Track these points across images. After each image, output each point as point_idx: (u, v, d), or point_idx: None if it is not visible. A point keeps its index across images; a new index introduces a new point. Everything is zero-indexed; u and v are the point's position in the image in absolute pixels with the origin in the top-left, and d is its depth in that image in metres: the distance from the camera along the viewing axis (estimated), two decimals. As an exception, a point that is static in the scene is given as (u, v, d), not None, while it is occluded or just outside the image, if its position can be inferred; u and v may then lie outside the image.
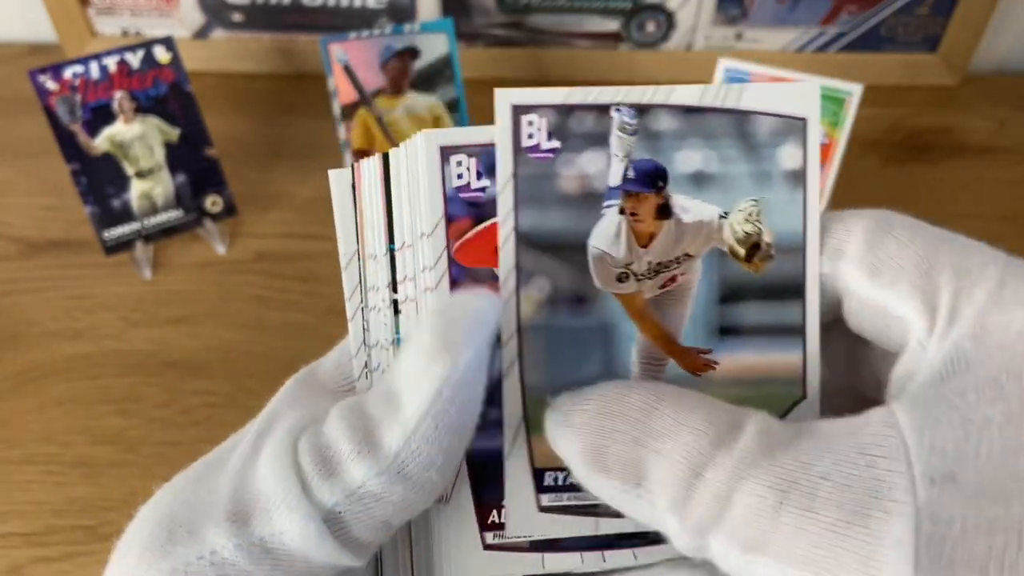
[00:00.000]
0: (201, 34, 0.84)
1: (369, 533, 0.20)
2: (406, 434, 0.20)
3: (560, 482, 0.23)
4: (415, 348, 0.20)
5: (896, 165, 0.77)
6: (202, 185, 0.68)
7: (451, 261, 0.23)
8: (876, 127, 0.79)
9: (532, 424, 0.23)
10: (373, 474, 0.19)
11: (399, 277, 0.23)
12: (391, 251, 0.24)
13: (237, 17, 0.82)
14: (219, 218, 0.69)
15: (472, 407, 0.21)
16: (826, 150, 0.64)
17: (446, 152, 0.23)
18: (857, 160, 0.75)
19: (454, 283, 0.23)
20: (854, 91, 0.63)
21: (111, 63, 0.63)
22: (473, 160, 0.23)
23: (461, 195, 0.23)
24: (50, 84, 0.62)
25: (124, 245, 0.67)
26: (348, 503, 0.19)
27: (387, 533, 0.21)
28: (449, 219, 0.23)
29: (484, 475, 0.24)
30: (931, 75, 0.83)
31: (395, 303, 0.24)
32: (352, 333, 0.24)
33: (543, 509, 0.23)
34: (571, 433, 0.20)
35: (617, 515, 0.23)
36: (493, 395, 0.23)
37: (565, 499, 0.23)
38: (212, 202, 0.68)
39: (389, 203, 0.24)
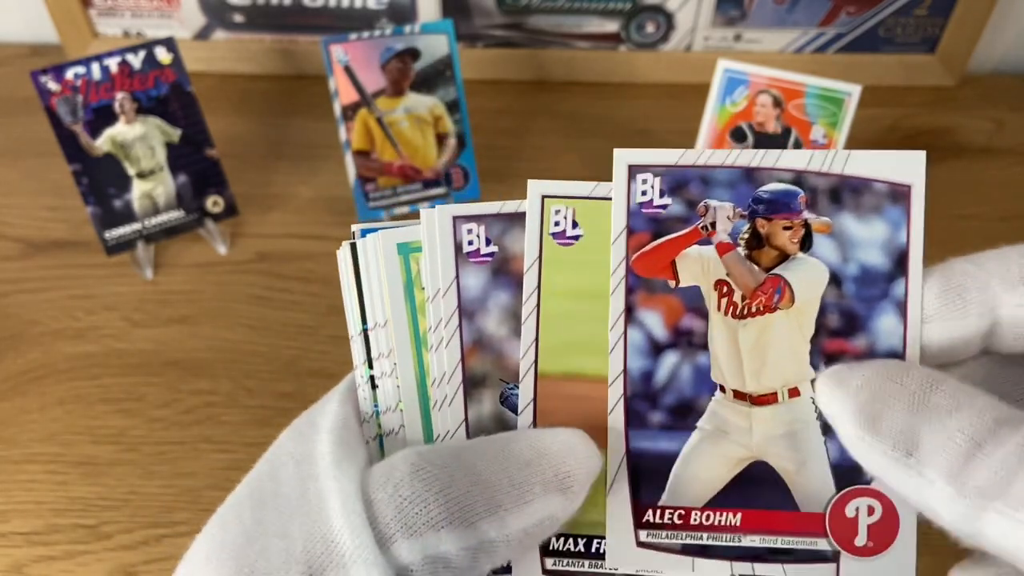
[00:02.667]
0: (202, 35, 0.84)
1: None
2: (505, 536, 0.21)
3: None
4: (545, 453, 0.22)
5: (895, 165, 0.77)
6: (203, 185, 0.68)
7: (628, 270, 0.25)
8: (875, 127, 0.79)
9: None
10: (460, 548, 0.20)
11: (374, 355, 0.25)
12: (364, 331, 0.25)
13: (238, 18, 0.82)
14: (220, 218, 0.69)
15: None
16: (825, 150, 0.64)
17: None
18: (856, 160, 0.76)
19: (630, 291, 0.25)
20: (853, 92, 0.63)
21: (112, 64, 0.63)
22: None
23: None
24: (52, 85, 0.62)
25: (125, 245, 0.67)
26: (423, 564, 0.20)
27: None
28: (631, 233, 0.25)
29: (642, 474, 0.25)
30: (929, 76, 0.83)
31: (372, 379, 0.25)
32: (360, 400, 0.26)
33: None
34: (846, 393, 0.21)
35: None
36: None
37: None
38: (213, 202, 0.69)
39: (360, 287, 0.25)
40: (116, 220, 0.66)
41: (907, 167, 0.25)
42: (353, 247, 0.25)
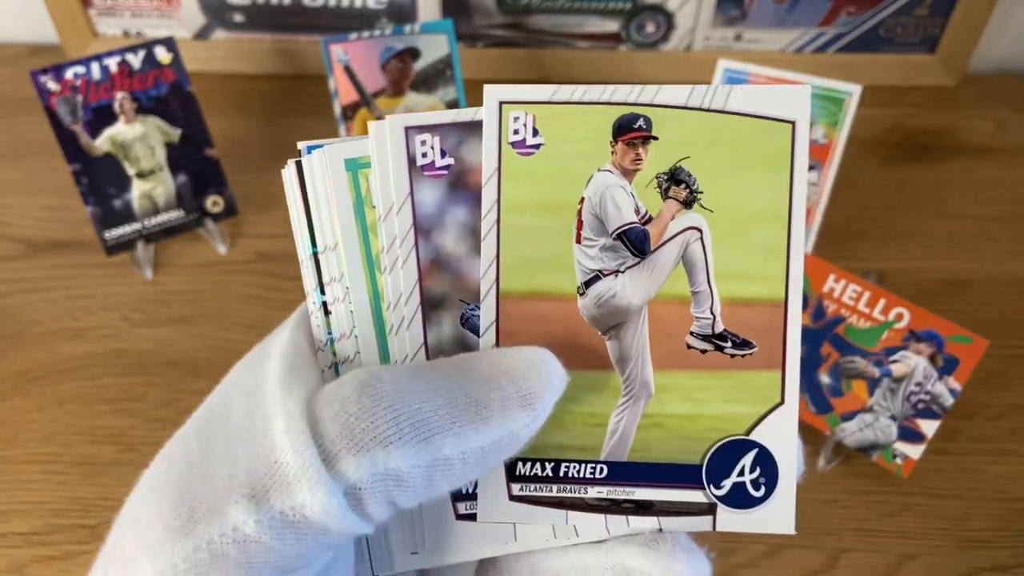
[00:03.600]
0: (202, 35, 0.84)
1: (380, 511, 0.20)
2: (461, 453, 0.20)
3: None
4: (506, 370, 0.21)
5: (895, 165, 0.77)
6: (203, 185, 0.68)
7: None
8: (875, 128, 0.79)
9: None
10: (412, 464, 0.20)
11: (325, 279, 0.24)
12: (315, 255, 0.24)
13: (238, 18, 0.82)
14: (220, 218, 0.69)
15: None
16: (825, 150, 0.64)
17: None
18: (856, 160, 0.76)
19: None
20: (853, 92, 0.63)
21: (112, 64, 0.63)
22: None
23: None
24: (51, 85, 0.62)
25: (125, 245, 0.67)
26: (372, 482, 0.19)
27: (393, 511, 0.21)
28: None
29: None
30: (930, 75, 0.83)
31: (324, 304, 0.24)
32: (313, 328, 0.24)
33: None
34: None
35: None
36: None
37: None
38: (213, 202, 0.69)
39: (308, 208, 0.24)
40: (116, 220, 0.66)
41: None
42: (299, 164, 0.24)
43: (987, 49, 0.85)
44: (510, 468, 0.24)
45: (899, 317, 0.54)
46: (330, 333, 0.24)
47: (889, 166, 0.77)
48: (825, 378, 0.55)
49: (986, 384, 0.59)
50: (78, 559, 0.52)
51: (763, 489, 0.24)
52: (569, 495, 0.24)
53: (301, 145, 0.24)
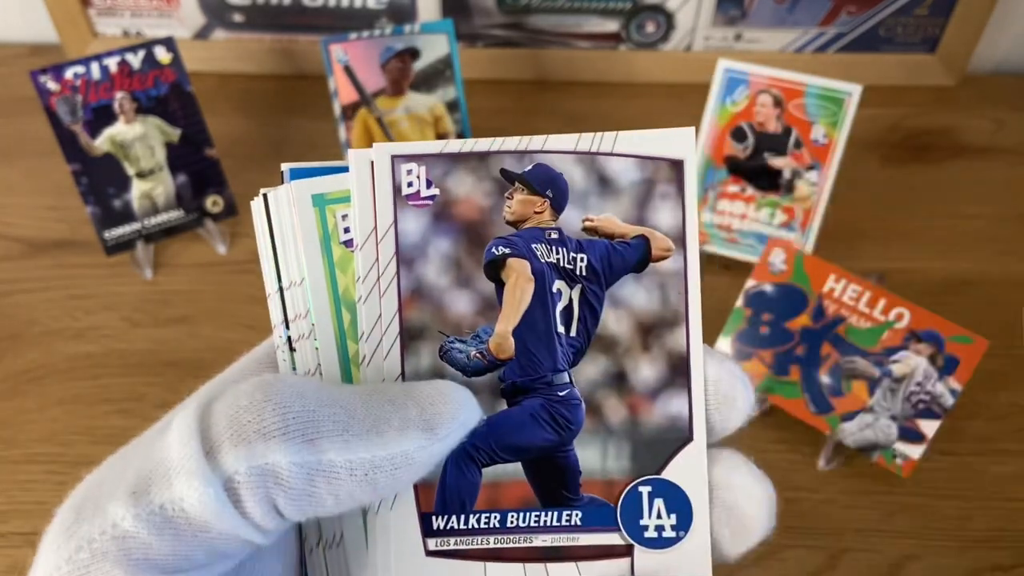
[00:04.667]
0: (202, 35, 0.84)
1: (260, 511, 0.19)
2: (348, 462, 0.19)
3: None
4: (415, 395, 0.21)
5: (895, 165, 0.77)
6: (203, 185, 0.68)
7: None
8: (875, 127, 0.79)
9: None
10: (291, 461, 0.19)
11: (290, 315, 0.24)
12: (280, 290, 0.24)
13: (238, 18, 0.82)
14: (220, 218, 0.69)
15: (406, 484, 0.21)
16: (825, 150, 0.64)
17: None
18: (856, 160, 0.76)
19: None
20: (853, 91, 0.63)
21: (112, 63, 0.63)
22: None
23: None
24: (51, 84, 0.62)
25: (125, 245, 0.67)
26: (248, 475, 0.19)
27: (279, 522, 0.20)
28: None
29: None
30: (930, 75, 0.83)
31: (289, 340, 0.24)
32: (279, 363, 0.24)
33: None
34: None
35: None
36: None
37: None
38: (213, 202, 0.69)
39: (274, 243, 0.24)
40: (115, 220, 0.66)
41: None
42: (265, 198, 0.24)
43: (987, 49, 0.85)
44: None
45: (899, 317, 0.54)
46: (295, 369, 0.24)
47: (889, 166, 0.77)
48: (825, 378, 0.55)
49: (986, 384, 0.59)
50: (78, 559, 0.52)
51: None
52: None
53: (285, 167, 0.24)
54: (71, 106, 0.63)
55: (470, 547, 0.24)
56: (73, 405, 0.59)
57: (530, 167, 0.24)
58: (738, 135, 0.66)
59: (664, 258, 0.24)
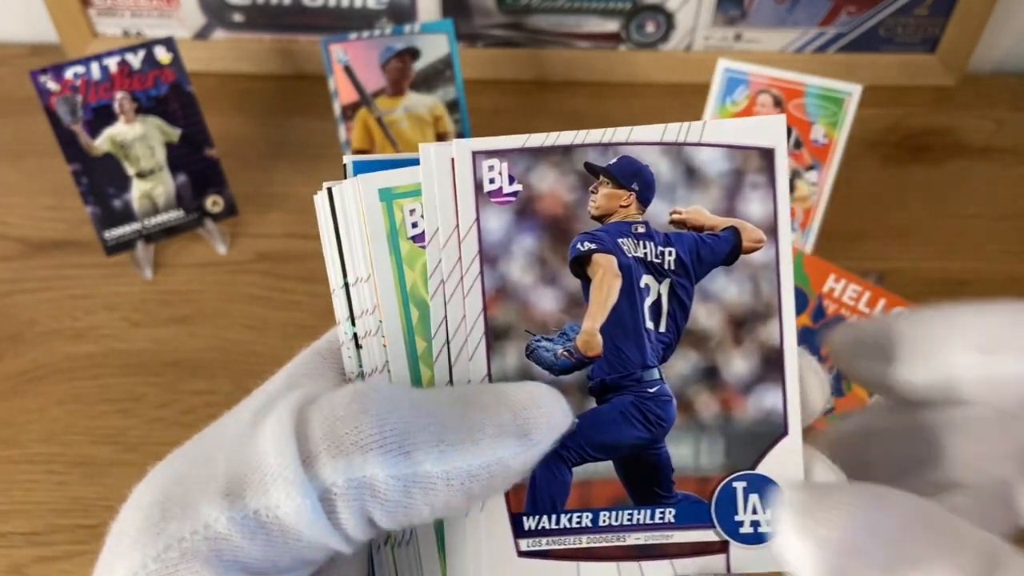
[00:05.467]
0: (202, 35, 0.84)
1: (354, 523, 0.19)
2: (445, 472, 0.19)
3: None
4: (507, 400, 0.20)
5: (895, 165, 0.77)
6: (203, 185, 0.68)
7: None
8: (875, 127, 0.79)
9: None
10: (389, 474, 0.19)
11: (356, 312, 0.23)
12: (346, 286, 0.23)
13: (238, 18, 0.82)
14: (220, 218, 0.69)
15: (502, 489, 0.21)
16: (825, 150, 0.64)
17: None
18: (856, 160, 0.76)
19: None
20: (853, 91, 0.63)
21: (112, 63, 0.63)
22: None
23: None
24: (51, 84, 0.62)
25: (125, 245, 0.67)
26: (346, 488, 0.19)
27: (371, 532, 0.20)
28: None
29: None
30: (930, 75, 0.83)
31: (355, 336, 0.23)
32: (344, 359, 0.24)
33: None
34: (814, 546, 0.18)
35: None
36: None
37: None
38: (213, 202, 0.69)
39: (339, 238, 0.23)
40: (116, 220, 0.66)
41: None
42: (331, 192, 0.23)
43: (987, 49, 0.85)
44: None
45: (899, 317, 0.54)
46: (361, 366, 0.23)
47: (889, 166, 0.77)
48: (825, 378, 0.55)
49: (986, 384, 0.59)
50: (78, 559, 0.52)
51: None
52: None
53: (348, 160, 0.23)
54: (71, 106, 0.63)
55: (562, 547, 0.23)
56: (73, 405, 0.59)
57: (614, 160, 0.24)
58: (738, 135, 0.66)
59: (755, 249, 0.24)
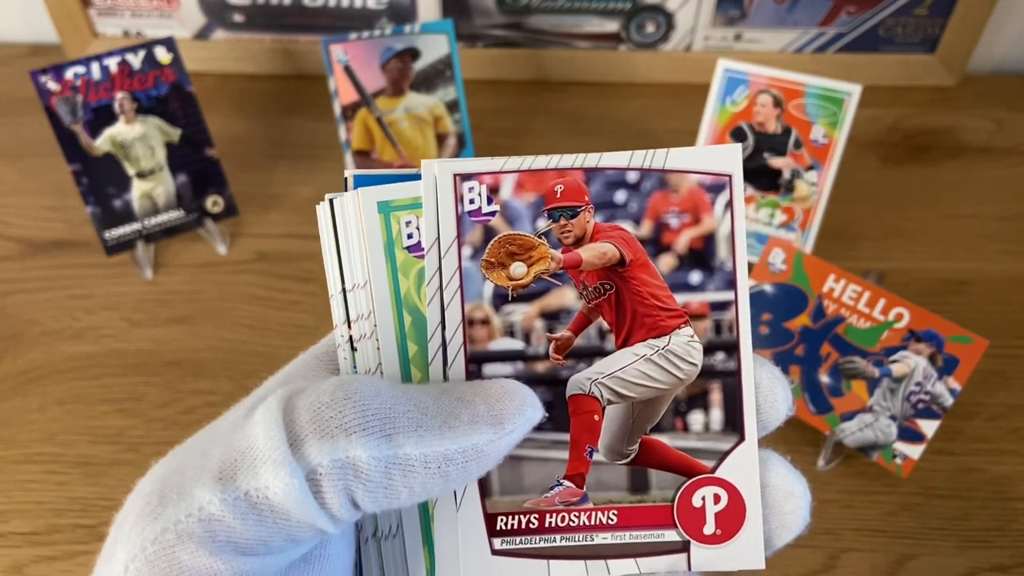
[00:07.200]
0: (202, 35, 0.84)
1: (338, 503, 0.20)
2: (423, 455, 0.21)
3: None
4: (482, 393, 0.22)
5: (895, 165, 0.77)
6: (203, 185, 0.68)
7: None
8: (875, 127, 0.79)
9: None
10: (371, 456, 0.20)
11: (352, 316, 0.25)
12: (343, 291, 0.25)
13: (238, 18, 0.82)
14: (220, 218, 0.69)
15: (477, 474, 0.22)
16: (825, 150, 0.65)
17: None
18: (856, 160, 0.76)
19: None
20: (853, 91, 0.63)
21: (112, 64, 0.63)
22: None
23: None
24: (51, 85, 0.62)
25: (125, 245, 0.67)
26: (331, 468, 0.20)
27: (355, 514, 0.21)
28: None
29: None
30: (929, 75, 0.83)
31: (351, 339, 0.25)
32: (340, 361, 0.25)
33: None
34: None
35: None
36: None
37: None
38: (213, 202, 0.69)
39: (339, 246, 0.25)
40: (116, 220, 0.66)
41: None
42: (332, 203, 0.25)
43: (987, 49, 0.85)
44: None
45: (899, 317, 0.54)
46: (355, 368, 0.25)
47: (889, 166, 0.77)
48: (825, 378, 0.55)
49: (986, 384, 0.59)
50: (78, 559, 0.52)
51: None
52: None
53: (349, 174, 0.25)
54: (71, 106, 0.63)
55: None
56: (73, 405, 0.59)
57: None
58: (738, 135, 0.66)
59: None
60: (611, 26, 0.82)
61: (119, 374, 0.61)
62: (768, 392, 0.25)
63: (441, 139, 0.70)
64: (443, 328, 0.24)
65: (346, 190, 0.25)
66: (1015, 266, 0.68)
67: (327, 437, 0.20)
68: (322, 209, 0.25)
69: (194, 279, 0.67)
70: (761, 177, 0.66)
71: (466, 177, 0.25)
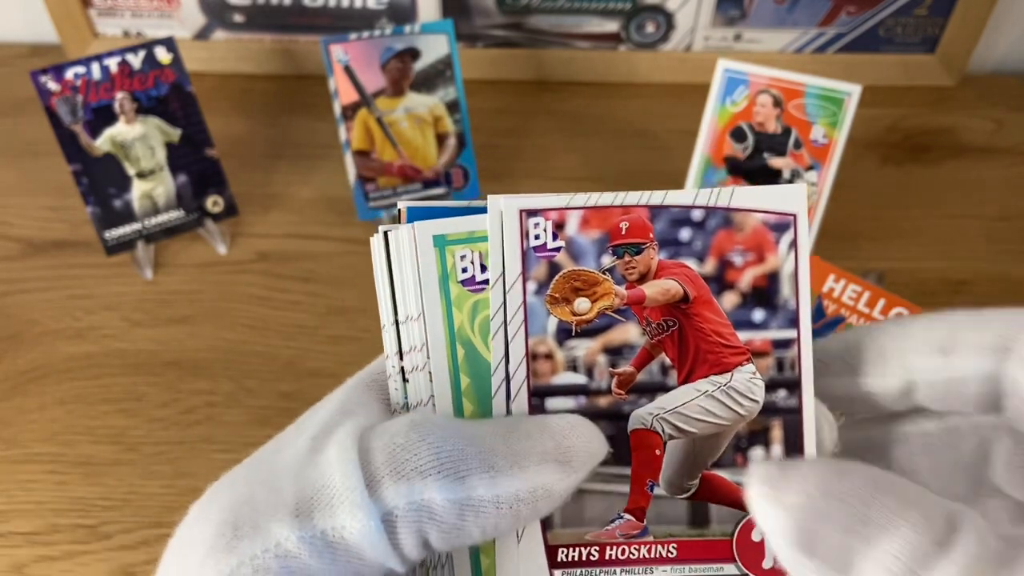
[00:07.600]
0: (202, 35, 0.84)
1: (411, 544, 0.21)
2: (495, 496, 0.21)
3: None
4: (548, 430, 0.22)
5: (894, 165, 0.77)
6: (203, 185, 0.68)
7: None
8: (875, 127, 0.79)
9: None
10: (445, 498, 0.20)
11: (405, 348, 0.25)
12: (396, 323, 0.25)
13: (238, 18, 0.82)
14: (220, 218, 0.69)
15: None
16: (825, 150, 0.65)
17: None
18: (856, 160, 0.76)
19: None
20: (853, 92, 0.63)
21: (112, 64, 0.63)
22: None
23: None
24: (51, 85, 0.62)
25: (125, 245, 0.67)
26: (407, 510, 0.20)
27: (424, 553, 0.21)
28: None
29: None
30: (929, 76, 0.83)
31: (402, 371, 0.25)
32: (391, 391, 0.26)
33: None
34: (781, 512, 0.20)
35: None
36: None
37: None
38: (213, 202, 0.69)
39: (392, 279, 0.25)
40: (116, 220, 0.66)
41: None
42: (386, 236, 0.25)
43: (987, 49, 0.85)
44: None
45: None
46: (407, 398, 0.25)
47: (889, 166, 0.77)
48: (825, 378, 0.55)
49: (986, 384, 0.59)
50: (78, 559, 0.52)
51: None
52: None
53: (402, 205, 0.25)
54: (71, 106, 0.63)
55: None
56: (73, 405, 0.59)
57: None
58: (738, 135, 0.66)
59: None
60: (611, 26, 0.82)
61: (119, 374, 0.61)
62: (817, 430, 0.25)
63: (441, 139, 0.70)
64: (507, 362, 0.25)
65: (398, 221, 0.25)
66: (1015, 266, 0.68)
67: (403, 479, 0.20)
68: (376, 241, 0.25)
69: (194, 279, 0.67)
70: (761, 177, 0.66)
71: (532, 213, 0.25)
